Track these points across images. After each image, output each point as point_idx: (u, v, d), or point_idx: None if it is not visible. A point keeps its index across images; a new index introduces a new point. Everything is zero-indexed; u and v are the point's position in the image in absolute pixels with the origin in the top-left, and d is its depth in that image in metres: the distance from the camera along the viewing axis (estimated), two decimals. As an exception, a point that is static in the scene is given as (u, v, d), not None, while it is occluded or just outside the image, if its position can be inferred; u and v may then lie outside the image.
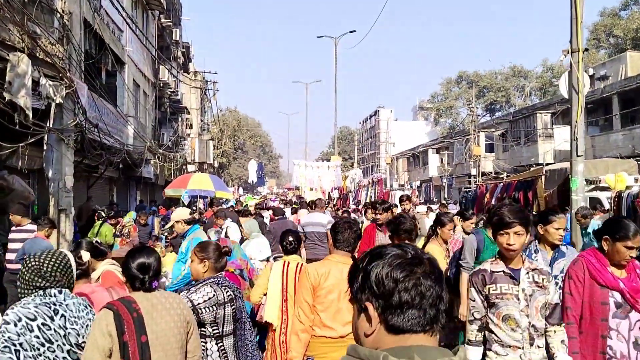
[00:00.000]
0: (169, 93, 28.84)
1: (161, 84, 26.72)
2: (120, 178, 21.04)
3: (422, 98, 76.81)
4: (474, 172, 36.03)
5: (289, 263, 4.72)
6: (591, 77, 33.16)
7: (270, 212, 14.92)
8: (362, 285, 1.35)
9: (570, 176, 8.58)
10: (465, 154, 37.73)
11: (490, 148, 38.73)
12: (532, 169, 19.83)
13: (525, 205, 9.59)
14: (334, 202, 26.51)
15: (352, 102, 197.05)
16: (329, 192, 28.31)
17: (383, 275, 1.31)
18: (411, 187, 33.57)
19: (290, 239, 4.91)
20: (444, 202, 23.82)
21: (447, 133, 56.92)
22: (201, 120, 40.80)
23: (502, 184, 11.36)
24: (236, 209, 14.72)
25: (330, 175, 27.93)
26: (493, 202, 11.26)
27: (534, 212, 9.52)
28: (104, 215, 9.64)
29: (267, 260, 8.08)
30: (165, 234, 16.54)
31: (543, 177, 9.61)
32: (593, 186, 9.68)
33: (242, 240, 8.58)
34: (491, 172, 37.17)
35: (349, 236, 3.89)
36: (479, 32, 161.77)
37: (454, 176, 43.86)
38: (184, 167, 27.35)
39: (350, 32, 35.23)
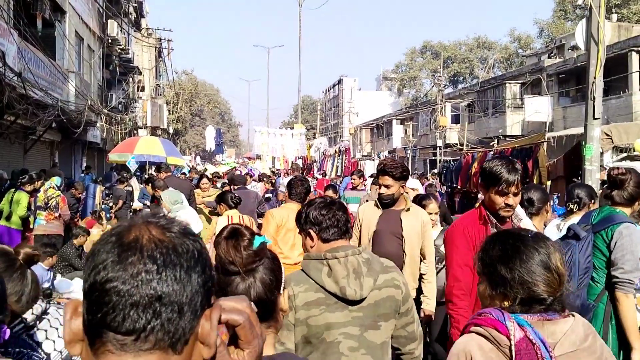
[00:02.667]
0: (119, 51, 26.54)
1: (109, 40, 24.43)
2: (62, 142, 19.06)
3: (386, 68, 75.49)
4: (439, 143, 35.08)
5: (232, 216, 5.97)
6: (562, 47, 32.36)
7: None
8: (306, 220, 2.47)
9: (583, 142, 7.40)
10: (432, 125, 36.70)
11: (456, 119, 37.83)
12: (534, 137, 18.82)
13: (525, 176, 8.35)
14: (301, 171, 25.10)
15: (315, 71, 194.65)
16: (293, 162, 26.87)
17: (316, 214, 2.43)
18: (378, 157, 32.40)
19: (236, 194, 6.46)
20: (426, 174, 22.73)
21: (410, 104, 55.91)
22: (156, 84, 38.46)
23: (492, 152, 10.11)
24: (190, 178, 13.13)
25: (294, 144, 26.46)
26: (482, 172, 10.06)
27: (535, 184, 8.28)
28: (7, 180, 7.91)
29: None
30: (110, 204, 14.81)
31: (545, 144, 8.36)
32: (624, 155, 8.53)
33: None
34: (456, 144, 36.30)
35: (300, 190, 5.30)
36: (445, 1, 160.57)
37: (417, 147, 42.93)
38: (135, 131, 25.35)
39: (316, -7, 33.41)
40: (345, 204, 2.75)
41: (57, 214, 7.86)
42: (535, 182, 8.23)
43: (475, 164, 10.35)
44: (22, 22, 12.27)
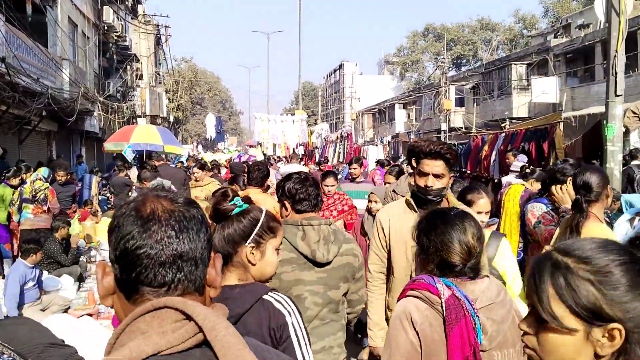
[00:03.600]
0: (115, 38, 25.94)
1: (105, 27, 23.85)
2: (59, 132, 18.59)
3: (387, 52, 74.57)
4: (444, 127, 34.49)
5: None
6: (568, 26, 31.64)
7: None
8: (282, 192, 2.81)
9: (604, 122, 6.90)
10: (436, 108, 36.07)
11: (460, 102, 37.17)
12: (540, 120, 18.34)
13: (540, 158, 7.88)
14: (299, 159, 24.59)
15: (316, 57, 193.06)
16: (294, 149, 26.38)
17: (291, 187, 2.78)
18: (382, 142, 31.85)
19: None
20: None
21: (413, 88, 55.16)
22: (155, 72, 37.88)
23: (504, 134, 9.61)
24: (188, 167, 12.66)
25: (295, 130, 25.94)
26: (493, 155, 9.58)
27: (551, 166, 7.80)
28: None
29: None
30: (107, 194, 14.38)
31: (562, 124, 7.86)
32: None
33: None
34: (461, 127, 35.69)
35: (257, 175, 5.30)
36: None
37: (421, 132, 42.32)
38: (134, 120, 24.85)
39: (315, -25, 32.68)
40: (318, 181, 3.16)
41: (45, 207, 7.41)
42: (551, 164, 7.74)
43: (486, 147, 9.88)
44: (9, 6, 11.72)
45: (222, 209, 2.07)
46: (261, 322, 1.95)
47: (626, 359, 1.17)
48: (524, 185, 5.76)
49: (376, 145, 24.92)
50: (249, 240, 2.05)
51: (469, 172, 10.73)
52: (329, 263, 2.71)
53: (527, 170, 6.01)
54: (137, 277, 1.04)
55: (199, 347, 0.99)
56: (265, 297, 1.98)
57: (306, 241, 2.68)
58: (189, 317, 1.00)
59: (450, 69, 53.78)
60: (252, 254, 2.06)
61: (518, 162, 6.98)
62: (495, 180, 9.35)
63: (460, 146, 13.01)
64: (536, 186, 5.62)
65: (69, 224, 7.31)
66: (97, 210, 10.30)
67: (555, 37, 30.70)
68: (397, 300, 2.14)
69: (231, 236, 2.06)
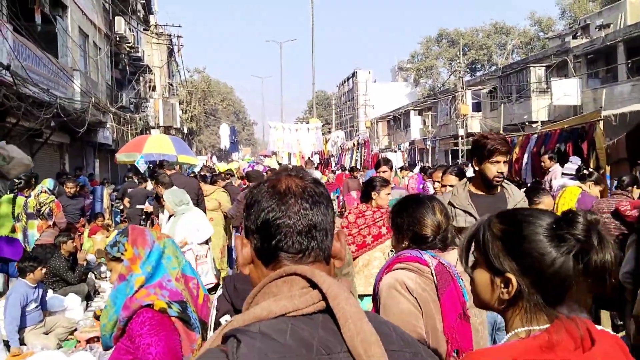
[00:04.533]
0: (128, 49, 25.78)
1: (117, 38, 23.66)
2: (72, 144, 18.31)
3: (401, 58, 74.08)
4: (461, 132, 33.85)
5: None
6: (586, 27, 30.93)
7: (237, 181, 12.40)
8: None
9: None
10: (453, 114, 35.45)
11: (477, 107, 36.54)
12: (544, 124, 17.70)
13: (580, 159, 7.29)
14: (315, 167, 24.10)
15: (328, 66, 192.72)
16: (309, 157, 25.91)
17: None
18: (399, 149, 31.26)
19: None
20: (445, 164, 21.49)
21: (428, 94, 54.56)
22: (169, 83, 37.72)
23: (536, 135, 9.04)
24: (202, 174, 12.23)
25: (310, 139, 25.47)
26: (525, 158, 9.02)
27: (590, 168, 7.22)
28: None
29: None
30: (121, 207, 13.97)
31: (601, 122, 7.29)
32: None
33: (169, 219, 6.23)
34: (479, 133, 34.97)
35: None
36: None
37: (437, 138, 41.69)
38: (147, 131, 24.55)
39: (328, -18, 32.32)
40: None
41: (50, 222, 6.97)
42: (592, 166, 7.17)
43: (517, 150, 9.31)
44: (17, 16, 11.42)
45: None
46: None
47: (522, 305, 1.40)
48: (580, 187, 5.23)
49: (394, 151, 24.34)
50: None
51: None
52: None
53: (585, 172, 5.46)
54: (277, 245, 1.16)
55: (322, 313, 1.08)
56: None
57: None
58: (314, 285, 1.10)
59: (467, 73, 53.13)
60: None
61: (572, 164, 6.46)
62: (528, 184, 8.80)
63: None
64: (594, 190, 5.09)
65: (72, 239, 6.84)
66: (110, 224, 9.86)
67: (574, 38, 30.00)
68: (380, 276, 2.35)
69: None
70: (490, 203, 3.46)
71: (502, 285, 1.41)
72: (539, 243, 1.37)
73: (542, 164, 8.00)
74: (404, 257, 2.30)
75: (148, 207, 10.74)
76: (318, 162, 25.82)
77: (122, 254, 2.42)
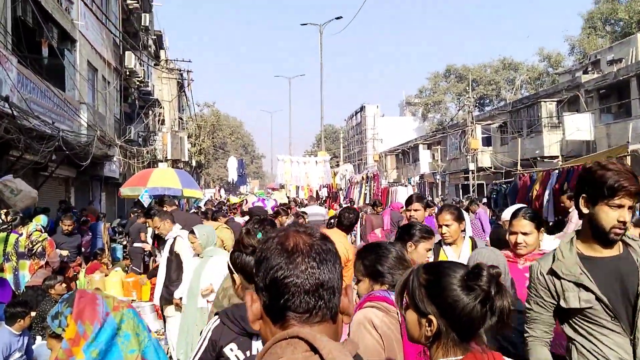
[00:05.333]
0: (138, 83, 25.79)
1: (127, 72, 23.67)
2: (78, 178, 18.05)
3: (409, 93, 74.27)
4: (472, 167, 33.49)
5: None
6: (597, 62, 30.76)
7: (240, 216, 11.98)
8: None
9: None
10: (463, 148, 35.12)
11: (487, 142, 36.25)
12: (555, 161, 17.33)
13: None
14: (322, 201, 23.71)
15: (336, 100, 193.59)
16: (317, 190, 25.56)
17: (250, 227, 3.00)
18: (410, 182, 30.92)
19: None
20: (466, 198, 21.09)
21: (436, 128, 54.44)
22: (178, 117, 37.77)
23: (556, 171, 8.64)
24: (203, 210, 11.86)
25: (319, 172, 25.14)
26: (546, 195, 8.60)
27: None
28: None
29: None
30: (124, 242, 13.60)
31: (629, 157, 6.90)
32: None
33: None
34: (490, 167, 34.66)
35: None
36: (468, 23, 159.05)
37: (447, 172, 41.31)
38: (154, 164, 24.35)
39: (337, 18, 32.60)
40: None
41: (43, 262, 6.57)
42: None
43: (537, 186, 8.90)
44: (22, 48, 11.28)
45: (246, 242, 2.67)
46: None
47: (442, 341, 1.70)
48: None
49: (405, 186, 23.97)
50: None
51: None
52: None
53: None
54: (285, 304, 1.17)
55: None
56: None
57: None
58: (315, 351, 1.10)
59: (475, 109, 53.01)
60: None
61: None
62: (550, 223, 8.38)
63: (503, 186, 12.02)
64: (634, 231, 4.65)
65: (60, 280, 6.41)
66: (108, 262, 9.46)
67: (585, 73, 29.81)
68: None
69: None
70: (612, 271, 2.48)
71: (427, 325, 1.71)
72: (453, 292, 1.68)
73: (562, 204, 7.59)
74: (374, 297, 2.46)
75: (146, 245, 10.35)
76: (326, 195, 25.47)
77: (63, 330, 1.87)
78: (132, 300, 8.53)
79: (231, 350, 2.50)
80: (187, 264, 5.63)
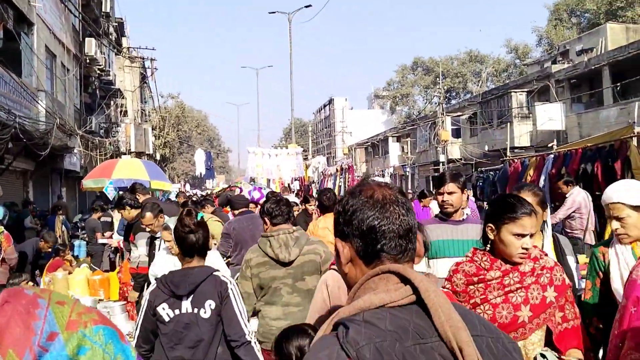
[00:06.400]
0: (98, 72, 24.64)
1: (87, 60, 22.54)
2: (37, 171, 17.02)
3: (377, 86, 74.05)
4: (442, 158, 33.34)
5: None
6: (566, 52, 30.86)
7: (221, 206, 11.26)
8: (262, 211, 3.94)
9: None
10: (433, 140, 34.96)
11: (456, 133, 36.19)
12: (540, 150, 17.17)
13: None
14: (295, 193, 23.07)
15: (304, 93, 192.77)
16: (289, 184, 24.90)
17: (268, 207, 3.88)
18: (384, 174, 30.53)
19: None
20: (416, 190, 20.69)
21: (404, 121, 54.36)
22: (141, 108, 36.54)
23: (553, 156, 8.21)
24: (180, 202, 11.13)
25: (291, 164, 24.46)
26: (542, 181, 8.18)
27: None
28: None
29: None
30: (87, 239, 12.72)
31: (635, 139, 6.49)
32: None
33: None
34: (460, 159, 34.59)
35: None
36: (436, 15, 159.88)
37: (416, 165, 41.20)
38: (117, 157, 23.29)
39: (306, 6, 31.88)
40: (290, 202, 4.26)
41: (-1, 256, 5.81)
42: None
43: (531, 172, 8.47)
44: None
45: (186, 222, 3.09)
46: (212, 287, 3.00)
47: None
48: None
49: (382, 177, 23.53)
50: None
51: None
52: (292, 262, 3.65)
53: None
54: (382, 248, 1.31)
55: (414, 304, 1.21)
56: (214, 273, 3.06)
57: (271, 247, 3.65)
58: (405, 281, 1.24)
59: (447, 98, 53.01)
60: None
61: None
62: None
63: (490, 173, 11.59)
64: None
65: (27, 279, 5.66)
66: (71, 260, 8.66)
67: (554, 63, 29.86)
68: None
69: (206, 238, 3.11)
70: None
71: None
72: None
73: (559, 191, 7.15)
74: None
75: (112, 241, 9.57)
76: (298, 188, 24.83)
77: None
78: (100, 299, 7.78)
79: (163, 309, 2.98)
80: (135, 260, 4.85)
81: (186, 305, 2.95)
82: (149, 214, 5.26)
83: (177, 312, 2.94)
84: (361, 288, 1.28)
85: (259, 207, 10.07)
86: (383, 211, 1.30)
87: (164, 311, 2.94)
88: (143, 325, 3.01)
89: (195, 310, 2.95)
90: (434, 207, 8.79)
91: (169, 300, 2.95)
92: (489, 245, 2.64)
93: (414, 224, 1.34)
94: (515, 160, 9.61)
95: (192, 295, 2.97)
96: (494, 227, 2.58)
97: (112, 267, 9.82)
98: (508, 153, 11.98)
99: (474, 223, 3.79)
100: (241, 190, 13.07)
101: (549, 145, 10.33)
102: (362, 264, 1.33)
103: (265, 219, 3.79)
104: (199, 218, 3.18)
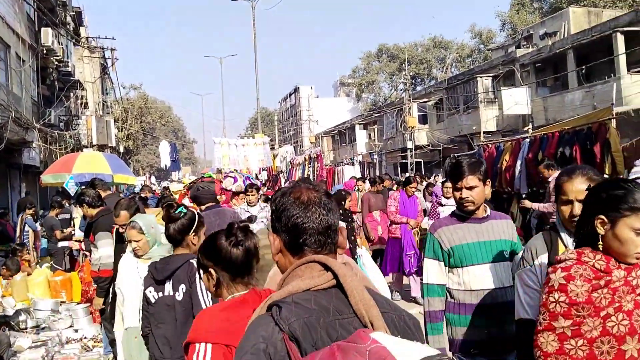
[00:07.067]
0: (56, 63, 23.71)
1: (44, 50, 21.65)
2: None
3: (342, 74, 73.76)
4: (409, 145, 33.32)
5: None
6: (529, 37, 31.07)
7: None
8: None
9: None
10: (401, 126, 34.94)
11: (423, 119, 36.23)
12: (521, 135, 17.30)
13: (589, 164, 6.36)
14: (263, 184, 22.70)
15: (269, 82, 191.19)
16: (256, 174, 24.51)
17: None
18: (352, 161, 30.30)
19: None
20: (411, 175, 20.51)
21: (370, 108, 54.30)
22: (102, 100, 35.51)
23: (529, 140, 8.07)
24: (143, 196, 10.71)
25: (258, 154, 24.07)
26: (518, 166, 8.05)
27: (606, 174, 6.29)
28: None
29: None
30: (46, 237, 12.15)
31: (614, 121, 6.37)
32: None
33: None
34: (428, 145, 34.66)
35: None
36: (400, 1, 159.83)
37: (384, 152, 41.20)
38: (79, 151, 22.52)
39: (269, -7, 31.30)
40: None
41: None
42: (607, 171, 6.22)
43: (507, 157, 8.33)
44: None
45: (172, 214, 3.43)
46: (185, 272, 3.29)
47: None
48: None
49: (352, 165, 23.35)
50: (190, 231, 3.42)
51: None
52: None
53: None
54: (304, 242, 1.55)
55: (334, 287, 1.47)
56: (190, 260, 3.27)
57: None
58: (327, 269, 1.48)
59: (413, 84, 53.01)
60: (194, 238, 3.44)
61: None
62: (523, 196, 7.83)
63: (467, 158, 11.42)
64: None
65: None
66: (30, 260, 8.19)
67: (518, 47, 30.06)
68: None
69: (181, 228, 3.42)
70: None
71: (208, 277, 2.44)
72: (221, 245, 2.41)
73: (541, 176, 7.00)
74: None
75: (73, 244, 9.12)
76: (266, 178, 24.45)
77: None
78: (62, 301, 7.38)
79: (149, 292, 3.37)
80: (129, 275, 4.26)
81: (168, 288, 3.34)
82: (124, 213, 4.80)
83: (160, 294, 3.34)
84: (290, 275, 1.52)
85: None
86: (306, 211, 1.55)
87: (150, 294, 3.36)
88: (143, 308, 3.48)
89: (174, 293, 3.31)
90: (421, 196, 8.58)
91: (154, 284, 3.36)
92: (600, 243, 2.13)
93: (333, 222, 1.58)
94: (490, 145, 9.47)
95: (171, 280, 3.34)
96: (606, 220, 2.11)
97: (74, 266, 9.36)
98: (482, 138, 11.84)
99: (499, 219, 3.29)
100: (235, 180, 12.69)
101: (525, 129, 10.23)
102: (290, 255, 1.58)
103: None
104: (182, 210, 3.47)
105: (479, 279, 3.13)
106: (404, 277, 8.36)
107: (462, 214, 3.23)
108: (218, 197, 10.29)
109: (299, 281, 1.45)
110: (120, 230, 4.80)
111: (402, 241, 7.95)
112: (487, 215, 3.23)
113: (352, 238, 6.67)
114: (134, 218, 4.06)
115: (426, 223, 8.07)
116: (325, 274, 1.46)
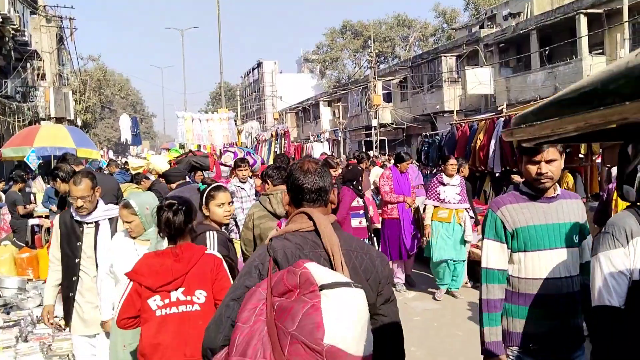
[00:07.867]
0: (12, 32, 22.78)
1: (0, 19, 20.74)
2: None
3: (306, 50, 73.09)
4: (374, 123, 33.43)
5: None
6: (493, 17, 31.38)
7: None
8: (265, 174, 4.90)
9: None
10: (366, 104, 34.99)
11: (387, 97, 36.35)
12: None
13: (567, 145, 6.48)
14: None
15: (232, 56, 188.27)
16: (221, 150, 24.20)
17: (270, 172, 4.77)
18: (321, 141, 30.13)
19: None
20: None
21: (334, 85, 54.14)
22: (59, 72, 34.34)
23: (503, 119, 8.14)
24: (110, 173, 10.44)
25: (223, 129, 23.70)
26: (492, 145, 8.12)
27: (581, 154, 6.42)
28: None
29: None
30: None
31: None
32: None
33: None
34: (392, 123, 34.87)
35: None
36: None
37: (348, 129, 41.27)
38: (37, 123, 21.79)
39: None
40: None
41: None
42: (582, 151, 6.34)
43: (481, 136, 8.40)
44: None
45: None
46: (204, 237, 3.54)
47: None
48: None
49: (320, 142, 23.28)
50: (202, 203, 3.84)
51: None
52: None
53: None
54: (303, 198, 2.10)
55: (314, 231, 2.01)
56: (208, 230, 3.64)
57: (270, 204, 4.34)
58: (310, 218, 2.03)
59: (378, 63, 52.93)
60: (206, 209, 3.81)
61: None
62: (497, 174, 7.95)
63: (436, 137, 11.47)
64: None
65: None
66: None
67: (482, 27, 30.33)
68: None
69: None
70: None
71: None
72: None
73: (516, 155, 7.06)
74: None
75: (45, 221, 8.85)
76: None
77: None
78: (29, 279, 7.16)
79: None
80: (127, 258, 3.86)
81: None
82: (86, 181, 3.95)
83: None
84: (290, 221, 2.10)
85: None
86: (305, 176, 2.09)
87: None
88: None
89: None
90: (412, 172, 8.23)
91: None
92: None
93: (324, 185, 2.11)
94: (464, 124, 9.53)
95: None
96: None
97: (34, 243, 9.04)
98: (455, 117, 11.90)
99: (569, 198, 2.93)
100: (236, 155, 12.38)
101: (500, 107, 10.31)
102: (294, 207, 2.14)
103: (268, 180, 4.57)
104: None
105: (543, 266, 2.79)
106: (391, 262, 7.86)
107: (532, 192, 2.86)
108: (210, 172, 10.13)
109: (292, 224, 2.06)
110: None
111: (402, 221, 7.51)
112: (557, 194, 2.87)
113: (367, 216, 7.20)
114: (127, 196, 3.81)
115: (421, 202, 7.68)
116: (309, 222, 2.02)
